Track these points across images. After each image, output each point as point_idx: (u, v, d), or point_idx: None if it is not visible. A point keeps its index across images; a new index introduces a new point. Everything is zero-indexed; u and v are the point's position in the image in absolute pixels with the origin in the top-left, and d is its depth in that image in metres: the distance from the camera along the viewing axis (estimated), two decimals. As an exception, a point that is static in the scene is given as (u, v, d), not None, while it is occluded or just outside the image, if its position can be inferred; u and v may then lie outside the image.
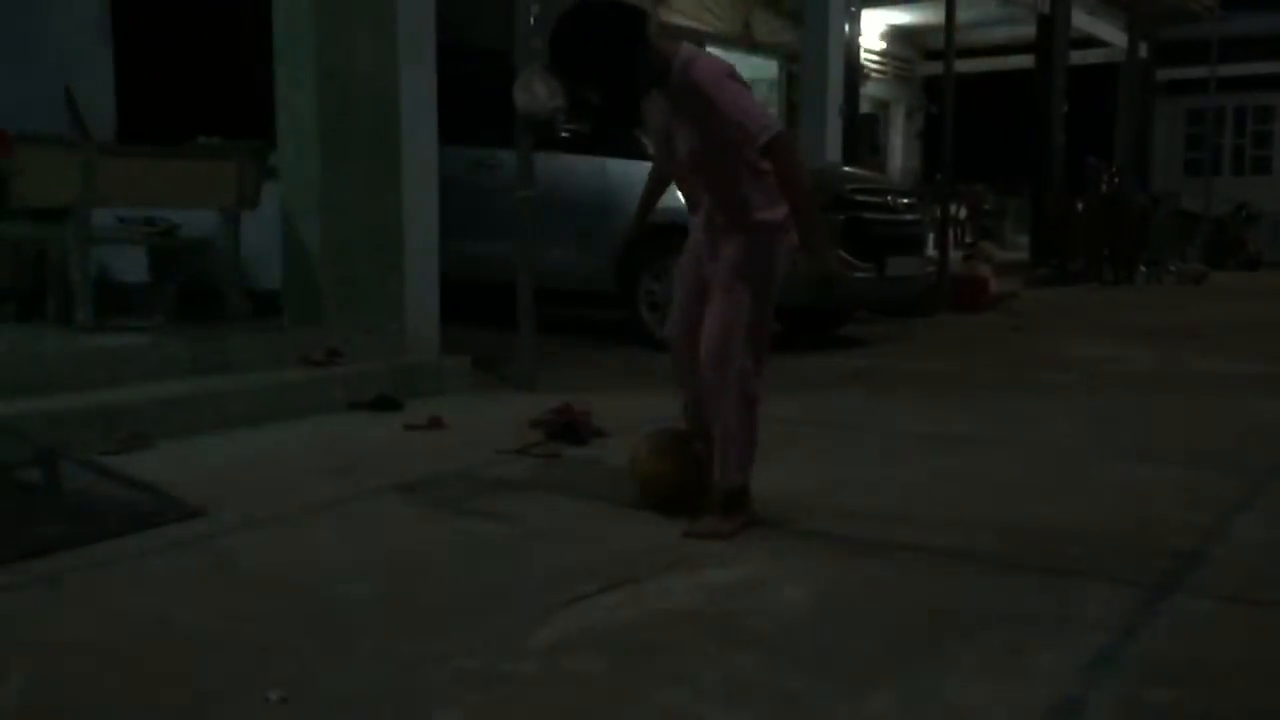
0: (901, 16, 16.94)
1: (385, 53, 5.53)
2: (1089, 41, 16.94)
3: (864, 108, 15.17)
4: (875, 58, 17.54)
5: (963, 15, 11.46)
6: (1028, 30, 15.41)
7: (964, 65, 12.24)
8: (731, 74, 3.08)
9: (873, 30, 16.72)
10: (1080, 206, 14.54)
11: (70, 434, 3.89)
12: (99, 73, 7.14)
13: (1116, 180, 14.75)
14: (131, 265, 6.21)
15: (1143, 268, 14.84)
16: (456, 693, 2.14)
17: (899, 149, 19.25)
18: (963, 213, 16.33)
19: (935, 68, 17.21)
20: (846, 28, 10.23)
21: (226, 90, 6.76)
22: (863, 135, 12.81)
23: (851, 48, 10.77)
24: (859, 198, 7.29)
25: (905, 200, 7.83)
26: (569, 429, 4.44)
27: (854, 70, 10.95)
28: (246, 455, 4.10)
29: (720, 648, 2.38)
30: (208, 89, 6.88)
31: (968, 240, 15.24)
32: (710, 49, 13.96)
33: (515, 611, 2.56)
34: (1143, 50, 18.15)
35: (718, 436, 3.22)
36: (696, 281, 3.33)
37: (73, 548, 2.93)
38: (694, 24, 12.79)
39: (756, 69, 14.98)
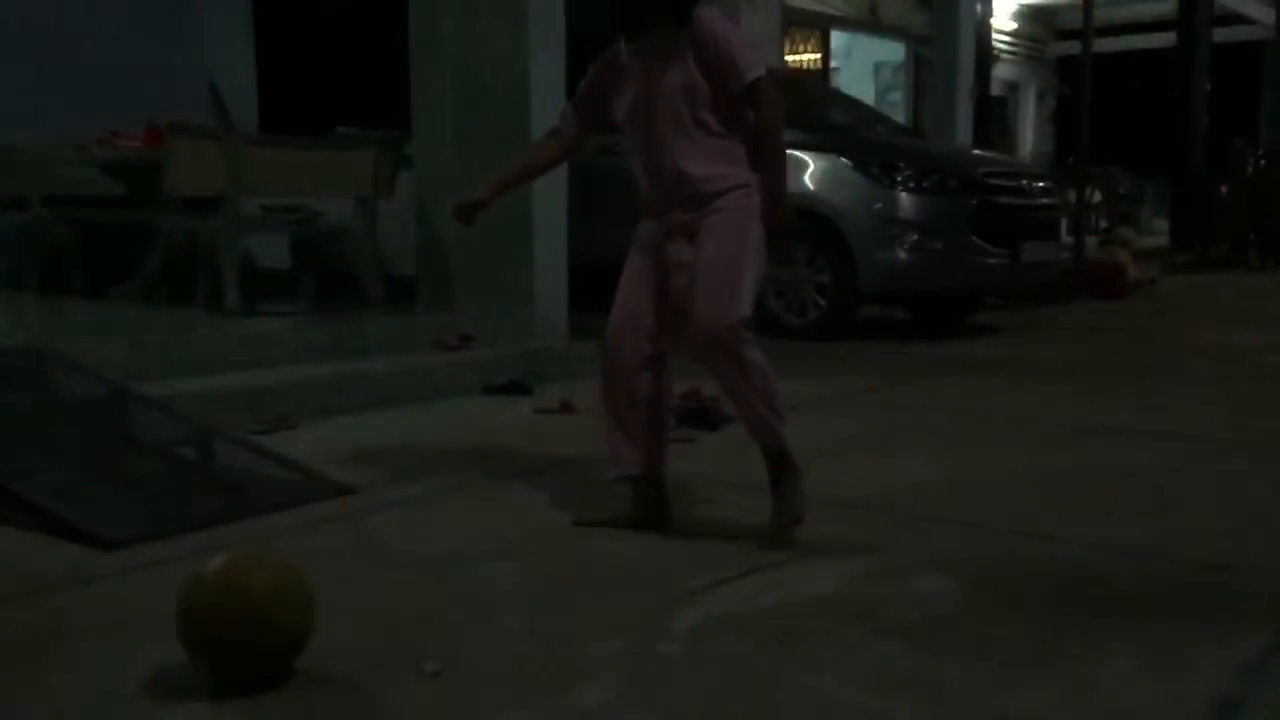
0: (1034, -5, 16.49)
1: (516, 42, 5.60)
2: (1233, 18, 16.24)
3: (994, 90, 14.82)
4: (1006, 38, 17.10)
5: (1100, -8, 11.10)
6: (1168, 7, 14.84)
7: (1100, 44, 11.83)
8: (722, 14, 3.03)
9: (1003, 10, 16.30)
10: (1224, 190, 13.94)
11: (220, 414, 4.03)
12: (242, 65, 7.41)
13: (1263, 162, 14.11)
14: (273, 252, 6.43)
15: (1291, 253, 14.17)
16: (604, 671, 2.16)
17: (1029, 132, 18.76)
18: (1097, 197, 15.82)
19: (1068, 47, 16.72)
20: (978, 7, 9.99)
21: (363, 81, 6.93)
22: (993, 118, 12.51)
23: (983, 28, 10.53)
24: (993, 181, 7.14)
25: (1040, 184, 7.62)
26: (700, 414, 4.43)
27: (985, 51, 10.70)
28: (386, 437, 4.20)
29: (865, 635, 2.35)
30: (345, 80, 7.07)
31: (1104, 225, 14.76)
32: (835, 33, 13.80)
33: (657, 594, 2.58)
34: (1291, 26, 17.31)
35: (742, 403, 2.95)
36: (648, 301, 3.06)
37: (229, 522, 3.05)
38: (820, 7, 12.64)
39: (883, 52, 14.76)
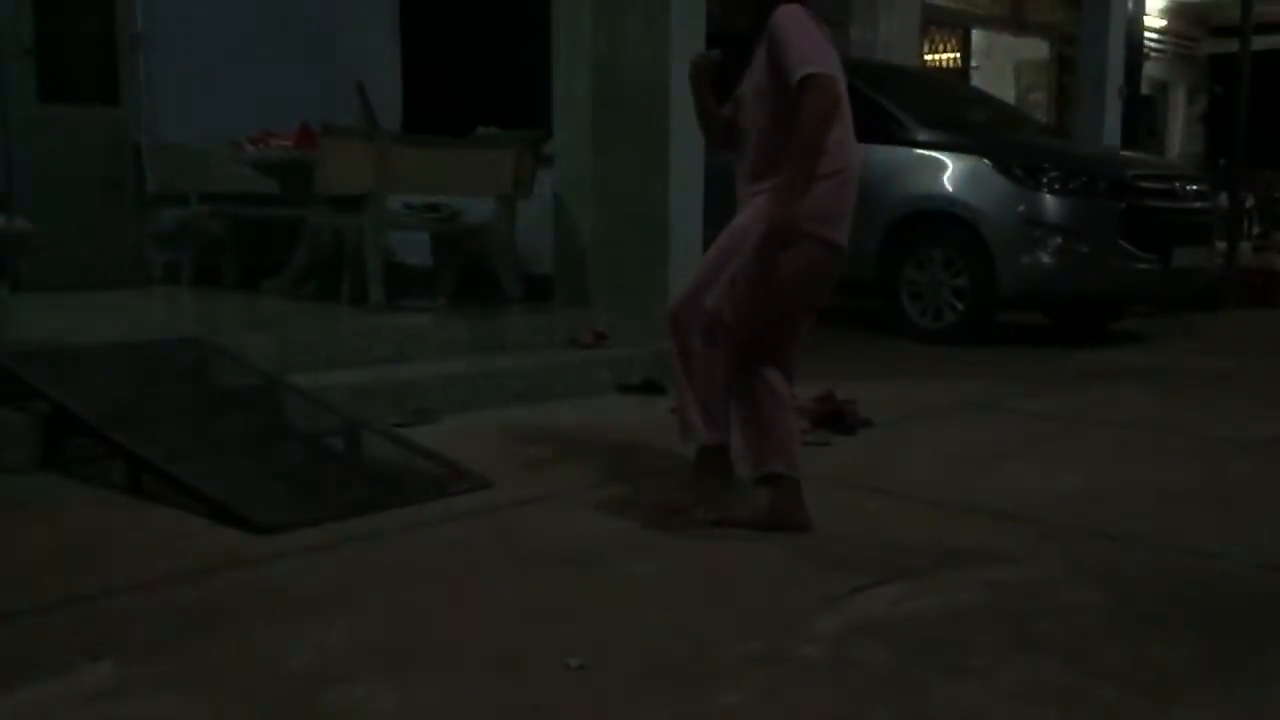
0: (1186, -9, 15.86)
1: (657, 44, 5.62)
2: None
3: (1142, 89, 14.31)
4: (1154, 36, 16.48)
5: (1258, -13, 10.56)
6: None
7: (1255, 42, 11.27)
8: (808, 15, 2.95)
9: (1152, 6, 15.72)
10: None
11: (364, 406, 4.15)
12: (388, 67, 7.61)
13: None
14: (415, 249, 6.59)
15: None
16: (745, 672, 2.16)
17: (1178, 133, 18.04)
18: (1251, 200, 15.11)
19: (1219, 45, 16.02)
20: (1130, 4, 9.66)
21: (503, 81, 7.06)
22: (1141, 118, 12.07)
23: (1134, 25, 10.18)
24: (1142, 184, 6.90)
25: (1193, 186, 7.33)
26: (836, 417, 4.39)
27: (1136, 49, 10.33)
28: (523, 432, 4.26)
29: (1013, 647, 2.29)
30: (486, 81, 7.21)
31: (1258, 231, 14.09)
32: (977, 31, 13.44)
33: (797, 598, 2.56)
34: None
35: (676, 391, 3.12)
36: None
37: (378, 511, 3.14)
38: (962, 5, 12.38)
39: (1025, 50, 14.40)
